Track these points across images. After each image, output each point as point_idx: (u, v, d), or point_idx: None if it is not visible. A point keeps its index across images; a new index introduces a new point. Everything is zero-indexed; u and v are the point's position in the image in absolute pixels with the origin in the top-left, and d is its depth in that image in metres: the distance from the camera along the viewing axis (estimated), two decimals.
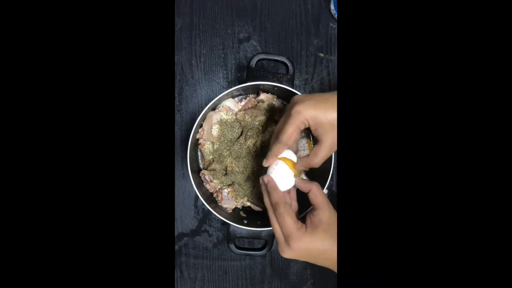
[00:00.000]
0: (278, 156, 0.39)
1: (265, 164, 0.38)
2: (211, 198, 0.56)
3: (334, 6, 0.62)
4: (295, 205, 0.40)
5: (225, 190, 0.55)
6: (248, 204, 0.57)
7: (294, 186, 0.40)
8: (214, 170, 0.55)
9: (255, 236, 0.54)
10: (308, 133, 0.59)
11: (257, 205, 0.56)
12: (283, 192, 0.39)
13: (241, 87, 0.52)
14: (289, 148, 0.40)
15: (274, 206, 0.37)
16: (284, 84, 0.52)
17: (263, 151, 0.55)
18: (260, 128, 0.56)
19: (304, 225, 0.36)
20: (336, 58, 0.64)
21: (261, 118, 0.55)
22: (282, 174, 0.39)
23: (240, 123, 0.55)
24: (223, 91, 0.61)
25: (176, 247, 0.62)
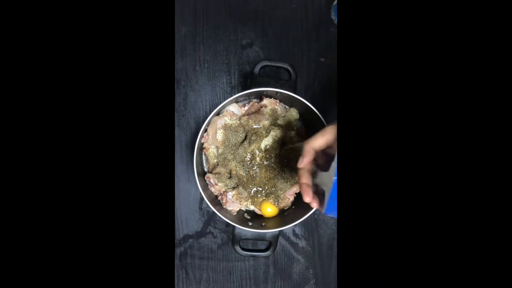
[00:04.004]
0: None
1: (301, 165, 0.42)
2: (216, 200, 0.57)
3: (334, 13, 0.64)
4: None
5: (230, 193, 0.56)
6: (252, 207, 0.59)
7: None
8: (219, 173, 0.57)
9: (260, 238, 0.56)
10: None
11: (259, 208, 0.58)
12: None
13: (246, 93, 0.54)
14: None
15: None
16: (286, 90, 0.54)
17: (267, 154, 0.57)
18: (264, 132, 0.57)
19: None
20: (336, 62, 0.65)
21: (265, 122, 0.57)
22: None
23: (244, 128, 0.57)
24: (227, 96, 0.63)
25: (182, 248, 0.63)
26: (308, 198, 0.41)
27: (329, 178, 0.37)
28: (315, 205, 0.41)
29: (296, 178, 0.56)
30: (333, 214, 0.38)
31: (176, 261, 0.63)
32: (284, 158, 0.57)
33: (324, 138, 0.40)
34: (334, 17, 0.65)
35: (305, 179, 0.42)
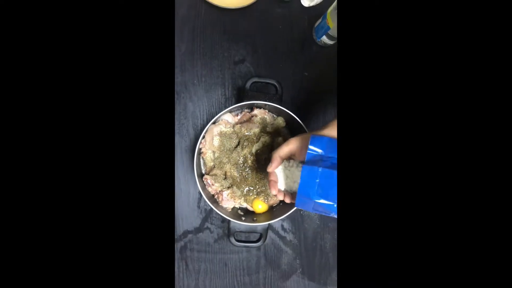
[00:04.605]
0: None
1: (269, 169, 0.52)
2: (212, 199, 0.65)
3: (316, 33, 0.73)
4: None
5: (225, 192, 0.64)
6: (245, 204, 0.66)
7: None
8: (215, 175, 0.65)
9: (252, 230, 0.64)
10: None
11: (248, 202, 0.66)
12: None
13: (239, 105, 0.62)
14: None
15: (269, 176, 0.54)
16: (274, 102, 0.62)
17: (257, 158, 0.65)
18: (254, 138, 0.65)
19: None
20: (317, 76, 0.74)
21: (255, 130, 0.65)
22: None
23: (237, 135, 0.65)
24: (222, 107, 0.71)
25: (182, 243, 0.70)
26: (274, 191, 0.52)
27: (297, 181, 0.46)
28: (280, 197, 0.52)
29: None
30: (302, 207, 0.46)
31: (177, 254, 0.70)
32: None
33: (287, 148, 0.49)
34: (315, 36, 0.73)
35: (273, 177, 0.53)
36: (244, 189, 0.65)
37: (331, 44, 0.73)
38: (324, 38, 0.71)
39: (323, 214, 0.44)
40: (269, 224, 0.64)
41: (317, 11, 0.74)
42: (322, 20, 0.69)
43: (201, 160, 0.67)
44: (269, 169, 0.51)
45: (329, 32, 0.67)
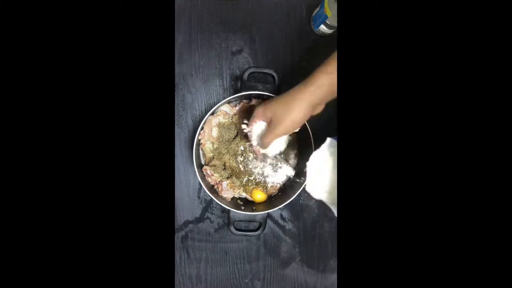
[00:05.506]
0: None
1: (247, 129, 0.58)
2: (212, 189, 0.66)
3: (313, 23, 0.72)
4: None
5: (225, 182, 0.65)
6: (244, 194, 0.67)
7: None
8: (214, 165, 0.65)
9: (251, 219, 0.65)
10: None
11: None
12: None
13: (237, 96, 0.62)
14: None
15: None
16: (271, 93, 0.62)
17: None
18: None
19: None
20: (315, 65, 0.74)
21: None
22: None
23: (236, 125, 0.65)
24: (220, 97, 0.71)
25: (183, 232, 0.71)
26: (254, 143, 0.58)
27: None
28: (255, 150, 0.59)
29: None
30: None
31: (179, 244, 0.71)
32: None
33: (253, 116, 0.55)
34: (313, 26, 0.73)
35: (254, 143, 0.58)
36: (243, 179, 0.66)
37: (329, 33, 0.72)
38: (322, 27, 0.70)
39: None
40: (268, 213, 0.65)
41: (315, 0, 0.74)
42: (319, 9, 0.68)
43: (200, 151, 0.68)
44: (245, 130, 0.58)
45: (327, 21, 0.67)
